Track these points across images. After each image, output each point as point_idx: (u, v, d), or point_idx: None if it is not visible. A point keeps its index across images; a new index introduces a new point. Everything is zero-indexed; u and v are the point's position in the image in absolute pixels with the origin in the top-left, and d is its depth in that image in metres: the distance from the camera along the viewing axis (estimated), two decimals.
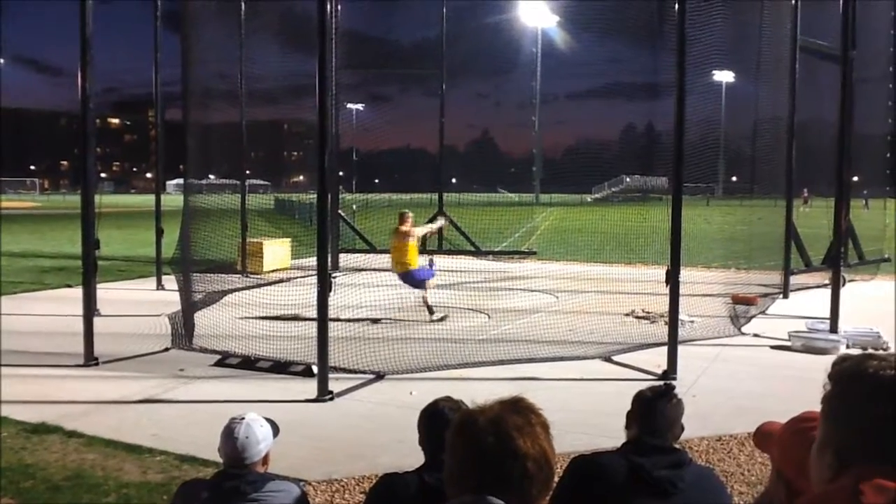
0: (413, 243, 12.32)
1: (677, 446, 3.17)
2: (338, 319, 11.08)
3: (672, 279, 8.72)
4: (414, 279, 12.36)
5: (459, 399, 3.22)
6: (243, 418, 3.28)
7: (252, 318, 11.50)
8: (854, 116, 16.28)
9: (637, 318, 12.48)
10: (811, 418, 2.23)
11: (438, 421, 3.08)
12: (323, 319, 7.97)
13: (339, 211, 19.03)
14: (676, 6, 8.58)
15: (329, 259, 17.76)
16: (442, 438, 3.01)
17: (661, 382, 3.59)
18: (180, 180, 15.47)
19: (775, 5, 15.36)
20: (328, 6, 7.99)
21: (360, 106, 33.70)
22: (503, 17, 22.40)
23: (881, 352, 1.49)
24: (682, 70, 8.54)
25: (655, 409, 3.22)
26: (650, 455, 3.01)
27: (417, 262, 12.44)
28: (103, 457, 6.26)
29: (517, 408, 1.71)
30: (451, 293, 14.74)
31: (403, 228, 12.36)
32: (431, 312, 12.22)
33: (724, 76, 25.92)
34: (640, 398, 3.32)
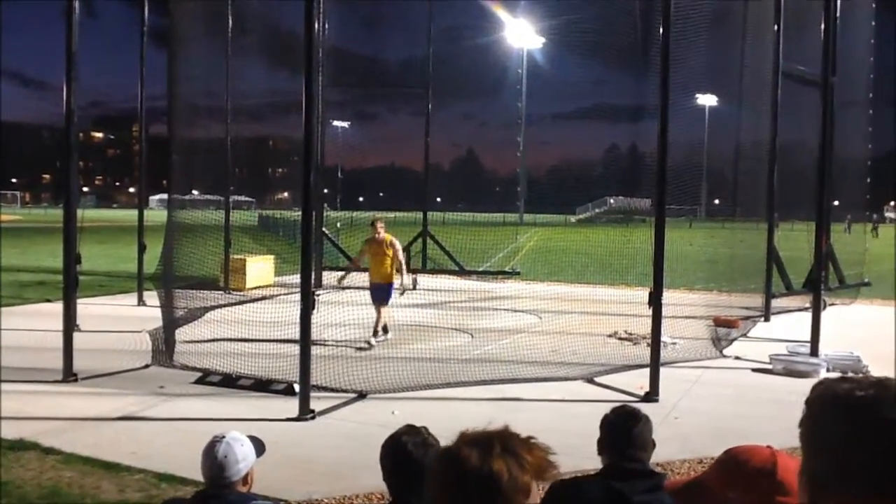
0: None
1: (657, 469, 3.16)
2: (324, 343, 11.07)
3: (654, 301, 8.76)
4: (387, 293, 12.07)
5: (423, 426, 2.98)
6: (224, 437, 3.26)
7: (233, 335, 11.44)
8: (835, 141, 16.47)
9: (620, 339, 12.50)
10: (741, 451, 2.37)
11: (401, 457, 2.81)
12: (305, 338, 7.93)
13: (323, 228, 19.00)
14: (661, 30, 8.67)
15: (314, 276, 17.83)
16: (407, 475, 2.86)
17: (621, 404, 3.56)
18: (163, 195, 15.39)
19: (758, 31, 15.54)
20: (315, 24, 8.01)
21: (345, 124, 33.68)
22: (490, 38, 22.54)
23: (858, 375, 1.46)
24: (665, 93, 8.62)
25: (626, 433, 3.19)
26: (629, 480, 2.99)
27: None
28: (80, 474, 6.18)
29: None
30: (434, 312, 14.73)
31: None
32: (385, 332, 12.07)
33: (708, 100, 26.17)
34: (608, 424, 3.28)
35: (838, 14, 15.56)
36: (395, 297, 12.21)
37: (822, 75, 10.62)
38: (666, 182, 8.82)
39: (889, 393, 1.31)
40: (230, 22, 16.53)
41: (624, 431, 3.19)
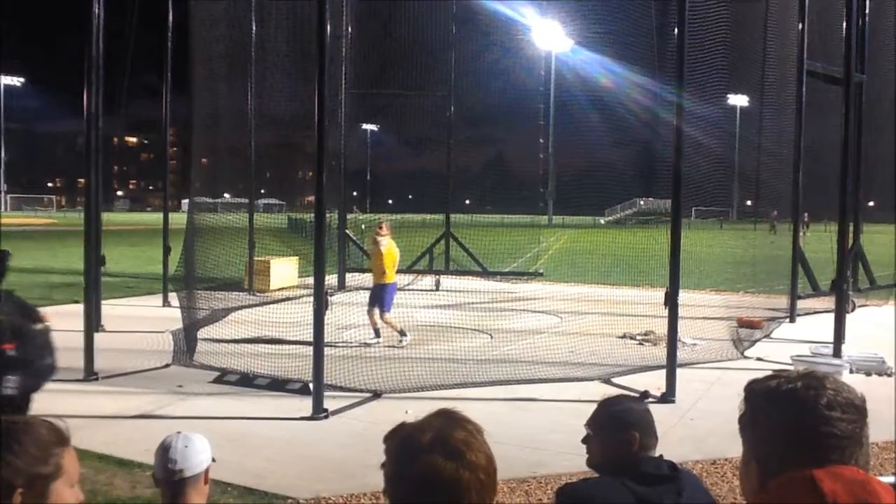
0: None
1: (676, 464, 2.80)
2: (344, 344, 11.16)
3: (671, 301, 8.68)
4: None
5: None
6: (179, 432, 3.28)
7: (254, 335, 11.54)
8: (871, 141, 16.16)
9: (640, 340, 12.39)
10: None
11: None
12: (319, 338, 7.98)
13: (347, 230, 19.10)
14: (676, 31, 8.63)
15: (338, 278, 17.94)
16: None
17: (629, 393, 3.18)
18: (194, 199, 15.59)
19: (787, 31, 15.34)
20: (328, 27, 8.07)
21: (374, 127, 33.76)
22: (518, 37, 22.40)
23: (789, 369, 1.62)
24: (681, 88, 8.57)
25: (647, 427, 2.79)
26: (652, 482, 2.61)
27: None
28: (94, 471, 6.28)
29: (454, 420, 1.69)
30: (455, 313, 14.74)
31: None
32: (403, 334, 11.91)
33: (740, 100, 25.92)
34: (618, 418, 2.78)
35: (867, 10, 15.39)
36: (415, 298, 12.24)
37: (845, 73, 10.45)
38: (680, 183, 8.77)
39: (808, 381, 1.57)
40: (254, 27, 16.67)
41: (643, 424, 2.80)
